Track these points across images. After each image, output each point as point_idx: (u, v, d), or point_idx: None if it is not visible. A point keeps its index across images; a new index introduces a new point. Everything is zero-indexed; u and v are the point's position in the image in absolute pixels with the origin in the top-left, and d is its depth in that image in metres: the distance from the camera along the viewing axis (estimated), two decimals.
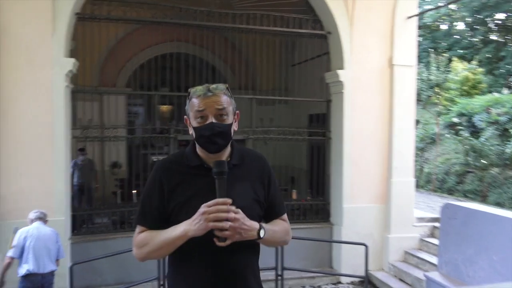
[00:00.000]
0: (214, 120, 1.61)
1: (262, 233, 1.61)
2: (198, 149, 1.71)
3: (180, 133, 7.06)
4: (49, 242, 4.71)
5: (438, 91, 13.66)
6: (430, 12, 20.27)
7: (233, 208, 1.52)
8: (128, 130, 7.62)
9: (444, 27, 23.13)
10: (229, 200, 1.51)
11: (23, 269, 4.56)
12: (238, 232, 1.52)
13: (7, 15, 5.47)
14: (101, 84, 9.01)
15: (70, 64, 5.79)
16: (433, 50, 18.91)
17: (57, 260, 4.82)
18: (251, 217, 1.59)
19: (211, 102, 1.61)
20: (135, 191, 6.93)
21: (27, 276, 4.55)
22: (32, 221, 4.82)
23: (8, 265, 4.63)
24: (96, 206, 6.73)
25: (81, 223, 6.42)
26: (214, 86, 1.64)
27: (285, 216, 1.85)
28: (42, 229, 4.75)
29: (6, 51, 5.48)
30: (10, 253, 4.63)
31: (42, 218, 4.86)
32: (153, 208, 1.66)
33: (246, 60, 8.44)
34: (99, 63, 8.90)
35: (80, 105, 6.58)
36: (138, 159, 7.17)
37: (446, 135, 13.92)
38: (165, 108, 10.27)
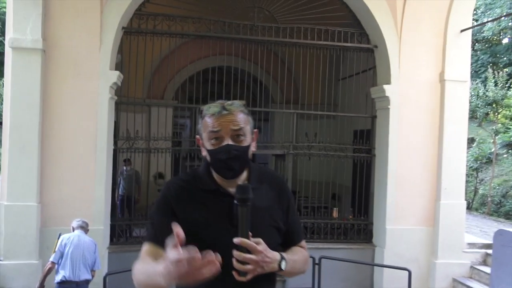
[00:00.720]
0: (230, 142, 1.45)
1: (283, 265, 1.45)
2: (213, 172, 1.55)
3: None
4: (87, 251, 4.78)
5: (496, 108, 12.90)
6: (489, 25, 19.29)
7: (257, 239, 1.36)
8: (172, 142, 7.68)
9: (506, 41, 21.96)
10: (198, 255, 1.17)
11: (59, 275, 4.64)
12: (260, 266, 1.36)
13: (57, 29, 5.71)
14: (150, 97, 9.21)
15: (114, 76, 5.95)
16: (491, 64, 17.96)
17: (92, 270, 4.87)
18: (270, 246, 1.42)
19: (227, 121, 1.45)
20: None
21: (62, 283, 4.62)
22: (74, 229, 4.93)
23: (49, 270, 4.71)
24: (135, 217, 6.81)
25: (120, 233, 6.51)
26: (229, 103, 1.48)
27: (303, 243, 1.69)
28: (82, 238, 4.83)
29: (54, 64, 5.71)
30: (51, 257, 4.73)
31: (84, 227, 4.96)
32: (166, 226, 1.36)
33: (290, 71, 8.35)
34: (148, 76, 9.11)
35: (124, 116, 6.71)
36: (182, 170, 7.19)
37: (504, 155, 13.07)
38: None
